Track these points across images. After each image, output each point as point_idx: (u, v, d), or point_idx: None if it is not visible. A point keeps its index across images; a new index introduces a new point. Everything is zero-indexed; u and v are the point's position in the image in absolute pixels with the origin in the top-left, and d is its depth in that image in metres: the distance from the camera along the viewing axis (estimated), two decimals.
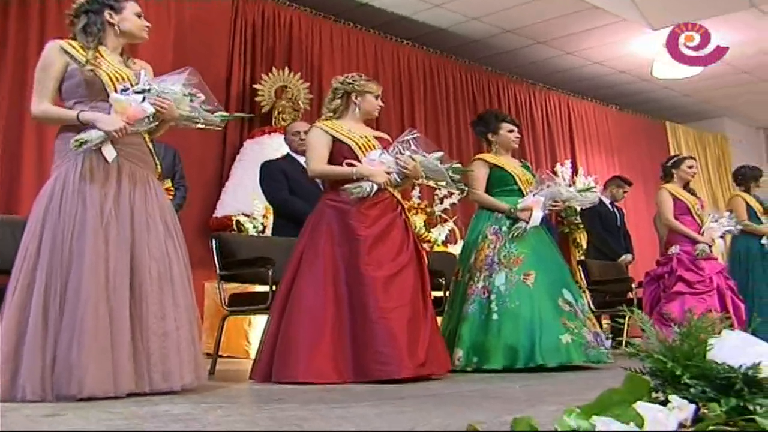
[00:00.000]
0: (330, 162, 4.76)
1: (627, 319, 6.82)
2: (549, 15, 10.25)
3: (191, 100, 3.90)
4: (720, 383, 1.96)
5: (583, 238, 10.73)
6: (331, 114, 4.93)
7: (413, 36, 10.70)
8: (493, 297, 5.36)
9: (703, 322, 2.09)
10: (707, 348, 2.02)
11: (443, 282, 6.10)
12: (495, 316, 5.30)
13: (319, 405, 3.15)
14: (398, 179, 4.73)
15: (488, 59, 11.65)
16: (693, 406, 1.85)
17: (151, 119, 3.73)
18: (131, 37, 3.97)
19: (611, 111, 13.69)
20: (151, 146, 3.91)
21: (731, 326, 6.23)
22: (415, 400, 3.34)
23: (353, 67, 9.66)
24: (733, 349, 2.00)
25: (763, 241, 8.39)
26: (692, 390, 1.94)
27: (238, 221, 7.61)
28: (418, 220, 8.49)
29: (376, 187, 4.63)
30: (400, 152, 4.72)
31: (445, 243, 8.74)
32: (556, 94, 12.73)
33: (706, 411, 1.87)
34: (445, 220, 9.08)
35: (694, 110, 14.69)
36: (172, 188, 4.65)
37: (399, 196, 4.86)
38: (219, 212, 8.06)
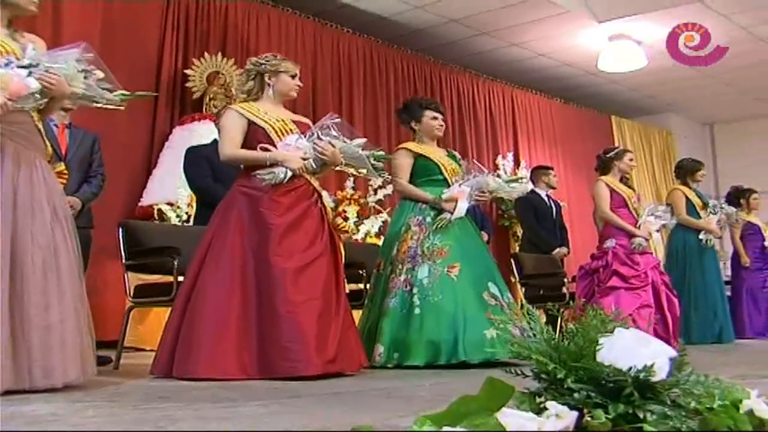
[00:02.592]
0: (245, 146, 4.52)
1: (560, 313, 6.66)
2: (494, 5, 10.09)
3: (86, 77, 3.65)
4: (609, 388, 1.76)
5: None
6: (245, 96, 4.70)
7: (354, 24, 10.47)
8: (415, 290, 5.14)
9: (594, 318, 1.90)
10: (597, 348, 1.82)
11: (364, 274, 5.89)
12: (417, 310, 5.08)
13: (205, 404, 2.93)
14: (314, 165, 4.50)
15: (432, 49, 11.46)
16: (575, 414, 1.65)
17: (38, 96, 3.47)
18: (17, 8, 3.66)
19: (556, 103, 13.57)
20: (40, 125, 3.63)
21: (665, 325, 6.10)
22: (311, 399, 3.14)
23: (291, 54, 9.37)
24: (625, 349, 1.80)
25: (701, 236, 8.33)
26: (576, 395, 1.74)
27: (160, 210, 7.35)
28: (351, 211, 8.29)
29: (290, 173, 4.39)
30: (319, 137, 4.49)
31: (378, 234, 8.54)
32: (500, 86, 12.57)
33: (590, 419, 1.68)
34: (379, 212, 8.89)
35: (640, 105, 14.64)
36: (66, 171, 4.37)
37: (316, 184, 4.62)
38: (145, 201, 7.79)
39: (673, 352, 1.88)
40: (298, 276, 4.22)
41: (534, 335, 1.95)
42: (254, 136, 4.51)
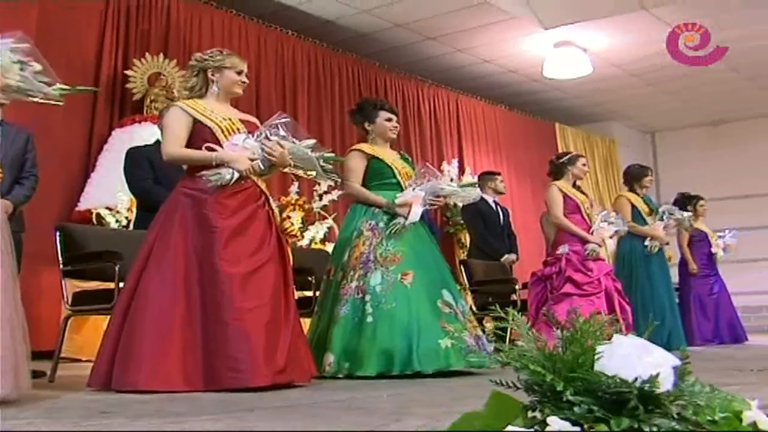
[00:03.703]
0: (189, 145, 4.30)
1: (510, 321, 6.48)
2: (440, 11, 9.95)
3: (21, 69, 3.40)
4: (610, 400, 1.59)
5: (467, 238, 10.44)
6: (188, 93, 4.48)
7: (299, 27, 10.25)
8: (367, 298, 4.93)
9: (590, 324, 1.73)
10: (595, 357, 1.65)
11: (313, 281, 5.68)
12: (369, 319, 4.87)
13: (151, 419, 2.72)
14: (262, 166, 4.28)
15: (377, 54, 11.29)
16: (577, 429, 1.48)
17: None
18: None
19: (500, 110, 13.48)
20: None
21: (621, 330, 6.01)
22: (265, 413, 2.93)
23: None
24: (626, 357, 1.63)
25: (646, 242, 8.26)
26: (576, 409, 1.57)
27: (98, 215, 7.06)
28: (295, 217, 8.06)
29: (237, 174, 4.19)
30: (267, 138, 4.28)
31: (323, 241, 8.33)
32: (445, 91, 12.44)
33: None
34: (324, 217, 8.67)
35: (584, 113, 14.64)
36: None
37: (263, 186, 4.41)
38: (82, 205, 7.50)
39: (676, 361, 1.72)
40: (245, 282, 4.01)
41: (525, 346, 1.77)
42: (199, 135, 4.29)
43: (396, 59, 11.53)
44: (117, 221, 6.98)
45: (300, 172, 4.57)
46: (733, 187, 14.32)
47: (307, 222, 8.30)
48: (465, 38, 10.95)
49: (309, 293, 5.76)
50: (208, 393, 3.75)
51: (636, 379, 1.57)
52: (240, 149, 4.23)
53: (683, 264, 9.84)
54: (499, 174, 9.30)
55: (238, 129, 4.35)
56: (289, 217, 8.10)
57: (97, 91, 7.95)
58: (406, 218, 5.17)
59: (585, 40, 11.09)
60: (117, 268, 4.49)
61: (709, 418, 1.70)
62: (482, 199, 8.61)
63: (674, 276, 9.49)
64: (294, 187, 8.58)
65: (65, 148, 7.74)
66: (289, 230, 4.21)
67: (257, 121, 4.59)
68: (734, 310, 9.72)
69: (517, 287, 7.54)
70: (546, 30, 10.61)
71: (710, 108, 14.44)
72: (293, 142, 4.33)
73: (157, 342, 3.87)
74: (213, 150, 4.22)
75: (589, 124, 15.12)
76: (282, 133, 4.30)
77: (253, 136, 4.30)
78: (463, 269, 7.75)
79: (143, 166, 5.66)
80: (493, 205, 8.81)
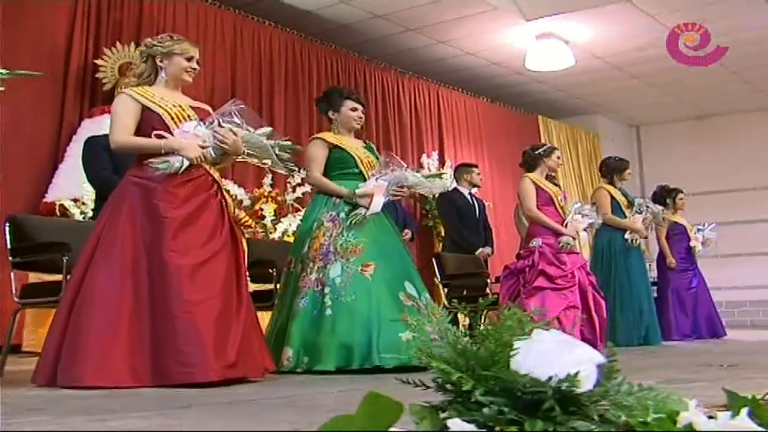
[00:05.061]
0: (138, 133, 4.15)
1: (483, 315, 6.39)
2: (421, 1, 9.79)
3: None
4: (526, 401, 1.46)
5: None
6: (137, 80, 4.35)
7: (276, 18, 10.09)
8: (327, 290, 4.81)
9: (510, 319, 1.60)
10: (512, 353, 1.52)
11: (274, 273, 5.55)
12: (329, 312, 4.74)
13: (75, 417, 2.59)
14: (213, 154, 4.14)
15: (357, 45, 11.14)
16: None
17: None
18: None
19: (482, 103, 13.35)
20: None
21: (592, 327, 5.88)
22: (202, 410, 2.81)
23: (209, 46, 9.05)
24: (544, 354, 1.50)
25: (627, 235, 8.15)
26: (486, 410, 1.44)
27: (62, 206, 6.91)
28: (268, 209, 7.93)
29: (187, 162, 4.05)
30: (220, 125, 4.14)
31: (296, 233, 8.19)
32: (425, 83, 12.30)
33: None
34: (298, 210, 8.53)
35: (568, 106, 14.53)
36: None
37: (216, 175, 4.27)
38: (49, 197, 7.34)
39: (601, 358, 1.59)
40: (195, 273, 3.88)
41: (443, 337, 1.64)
42: (148, 122, 4.15)
43: (376, 50, 11.38)
44: (82, 213, 6.83)
45: (255, 161, 4.42)
46: (718, 182, 14.27)
47: (280, 214, 8.17)
48: (446, 29, 10.80)
49: (270, 286, 5.62)
50: (155, 389, 3.62)
51: (552, 377, 1.44)
52: (191, 136, 4.09)
53: (661, 258, 9.73)
54: (476, 166, 9.20)
55: (188, 116, 4.21)
56: (261, 210, 7.98)
57: (41, 75, 7.78)
58: (367, 209, 5.04)
59: (567, 32, 10.95)
60: (65, 260, 4.35)
61: (641, 419, 1.58)
62: (457, 191, 8.54)
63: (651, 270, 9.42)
64: (268, 179, 8.45)
65: (34, 139, 7.60)
66: (243, 220, 4.06)
67: (210, 109, 4.45)
68: (713, 305, 9.60)
69: (488, 281, 7.42)
70: (528, 21, 10.48)
71: (696, 102, 14.35)
72: (248, 130, 4.19)
73: (104, 336, 3.73)
74: (162, 137, 4.08)
75: (573, 118, 15.01)
76: (236, 120, 4.16)
77: (204, 123, 4.16)
78: (435, 262, 7.62)
79: (102, 156, 5.51)
80: (469, 198, 8.70)
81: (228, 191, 7.82)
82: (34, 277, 5.62)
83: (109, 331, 3.74)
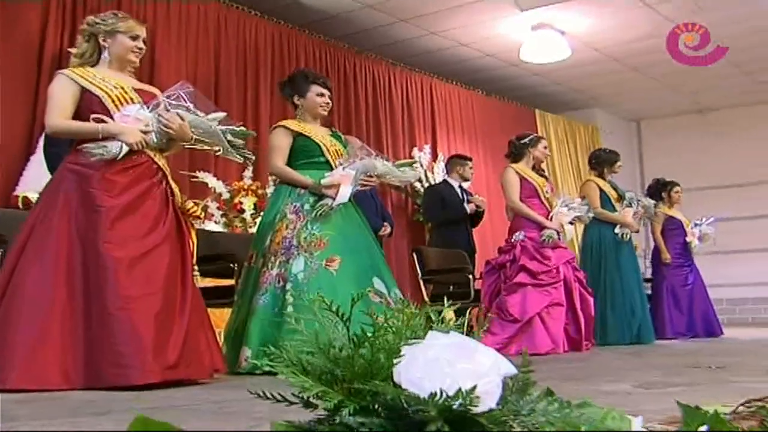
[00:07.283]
0: (77, 117, 3.89)
1: (468, 312, 6.09)
2: None
3: None
4: (408, 421, 1.18)
5: None
6: (78, 61, 4.08)
7: (262, 7, 9.81)
8: (288, 286, 4.52)
9: (396, 317, 1.32)
10: (396, 361, 1.24)
11: (235, 268, 5.27)
12: (290, 309, 4.44)
13: None
14: (155, 139, 3.87)
15: (347, 36, 10.84)
16: None
17: None
18: None
19: (477, 95, 13.05)
20: None
21: (578, 325, 5.58)
22: (118, 418, 2.53)
23: (192, 37, 8.79)
24: (432, 363, 1.22)
25: (617, 230, 7.86)
26: None
27: (25, 198, 6.65)
28: (247, 203, 7.66)
29: (126, 148, 3.78)
30: (166, 108, 3.86)
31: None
32: (418, 75, 11.99)
33: None
34: None
35: (565, 100, 14.22)
36: None
37: (162, 162, 3.99)
38: (19, 189, 7.08)
39: (510, 368, 1.31)
40: (133, 267, 3.62)
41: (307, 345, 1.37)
42: (87, 105, 3.89)
43: (367, 41, 11.08)
44: None
45: (204, 147, 4.14)
46: (721, 177, 14.00)
47: (260, 208, 7.89)
48: (439, 20, 10.51)
49: (230, 281, 5.35)
50: (84, 392, 3.35)
51: (438, 394, 1.16)
52: (132, 120, 3.82)
53: (656, 253, 9.43)
54: (470, 159, 8.92)
55: (131, 99, 3.94)
56: (240, 203, 7.72)
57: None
58: (333, 199, 4.76)
59: (563, 23, 10.66)
60: (0, 252, 4.08)
61: None
62: (447, 183, 8.26)
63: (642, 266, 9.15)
64: (248, 172, 8.20)
65: (5, 129, 7.33)
66: (191, 211, 3.80)
67: (157, 91, 4.17)
68: (710, 303, 9.28)
69: (470, 276, 7.13)
70: (523, 12, 10.23)
71: (697, 95, 14.05)
72: (196, 114, 3.91)
73: (33, 335, 3.47)
74: (101, 121, 3.81)
75: (571, 111, 14.70)
76: (186, 104, 3.89)
77: (148, 106, 3.89)
78: (416, 258, 7.34)
79: (60, 144, 5.25)
80: (459, 191, 8.41)
81: (206, 183, 7.78)
82: None
83: (38, 330, 3.47)
